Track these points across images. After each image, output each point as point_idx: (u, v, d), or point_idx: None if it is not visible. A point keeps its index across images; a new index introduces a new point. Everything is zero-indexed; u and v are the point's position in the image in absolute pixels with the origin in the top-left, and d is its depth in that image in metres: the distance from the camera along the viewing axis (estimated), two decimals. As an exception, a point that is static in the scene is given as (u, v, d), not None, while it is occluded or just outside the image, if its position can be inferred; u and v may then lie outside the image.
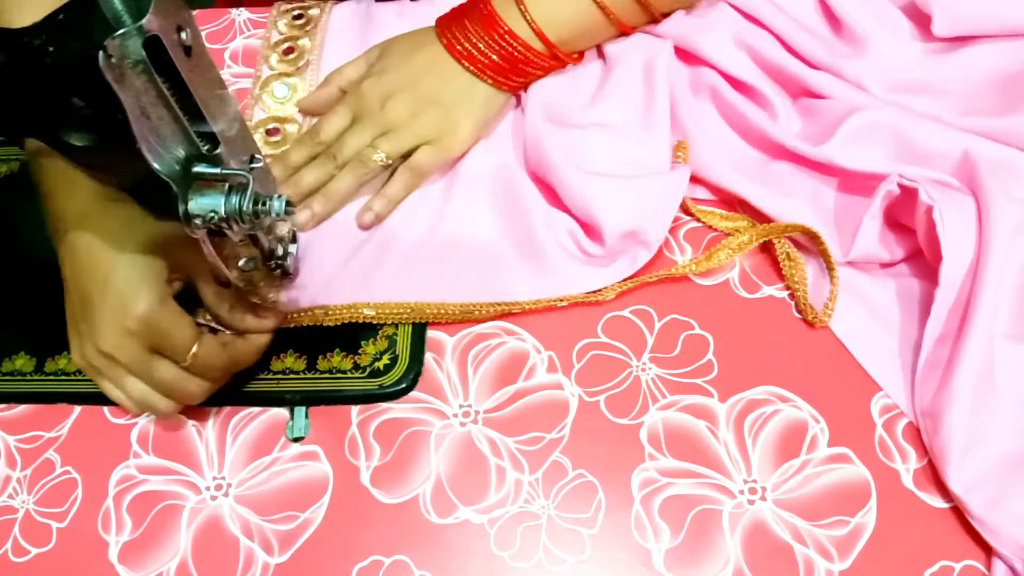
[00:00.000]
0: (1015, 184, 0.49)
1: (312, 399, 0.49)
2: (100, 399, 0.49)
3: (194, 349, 0.43)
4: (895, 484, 0.45)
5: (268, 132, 0.59)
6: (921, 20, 0.56)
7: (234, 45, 0.64)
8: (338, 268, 0.52)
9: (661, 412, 0.48)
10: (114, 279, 0.42)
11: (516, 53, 0.54)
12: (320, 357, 0.50)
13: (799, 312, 0.50)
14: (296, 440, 0.48)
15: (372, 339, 0.51)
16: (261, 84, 0.61)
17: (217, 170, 0.38)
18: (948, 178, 0.50)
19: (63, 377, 0.50)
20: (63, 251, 0.44)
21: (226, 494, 0.47)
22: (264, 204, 0.39)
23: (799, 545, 0.44)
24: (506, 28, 0.53)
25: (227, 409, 0.50)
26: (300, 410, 0.49)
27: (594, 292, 0.51)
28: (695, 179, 0.54)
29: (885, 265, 0.51)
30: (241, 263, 0.44)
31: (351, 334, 0.51)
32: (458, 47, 0.54)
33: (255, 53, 0.63)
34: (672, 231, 0.54)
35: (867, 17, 0.56)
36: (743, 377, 0.49)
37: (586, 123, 0.55)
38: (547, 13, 0.53)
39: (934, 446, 0.44)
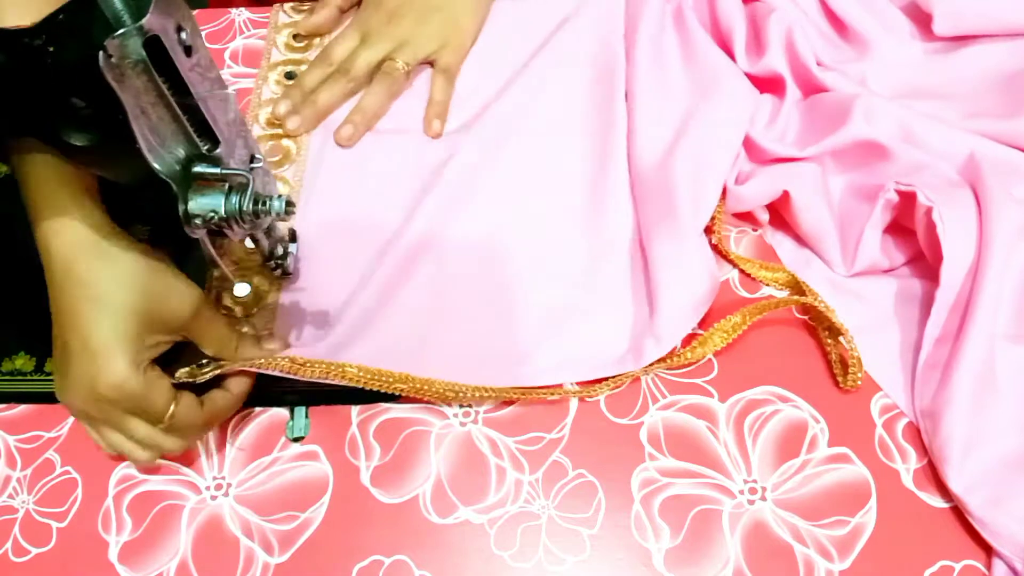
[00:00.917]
0: (1018, 186, 0.49)
1: (312, 399, 0.49)
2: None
3: (171, 410, 0.42)
4: (895, 484, 0.45)
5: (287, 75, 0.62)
6: (922, 20, 0.56)
7: (234, 45, 0.64)
8: (333, 322, 0.50)
9: (661, 412, 0.48)
10: (93, 340, 0.39)
11: None
12: (320, 357, 0.50)
13: (832, 373, 0.48)
14: (296, 440, 0.48)
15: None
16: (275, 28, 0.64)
17: (217, 170, 0.38)
18: (950, 173, 0.50)
19: (63, 377, 0.50)
20: (50, 286, 0.42)
21: (226, 494, 0.47)
22: (264, 204, 0.39)
23: (799, 545, 0.44)
24: None
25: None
26: (300, 410, 0.49)
27: (588, 384, 0.49)
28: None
29: (887, 270, 0.51)
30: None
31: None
32: None
33: (255, 53, 0.63)
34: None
35: (868, 19, 0.56)
36: (743, 377, 0.49)
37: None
38: None
39: (934, 446, 0.44)
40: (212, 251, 0.41)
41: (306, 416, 0.49)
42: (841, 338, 0.47)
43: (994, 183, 0.47)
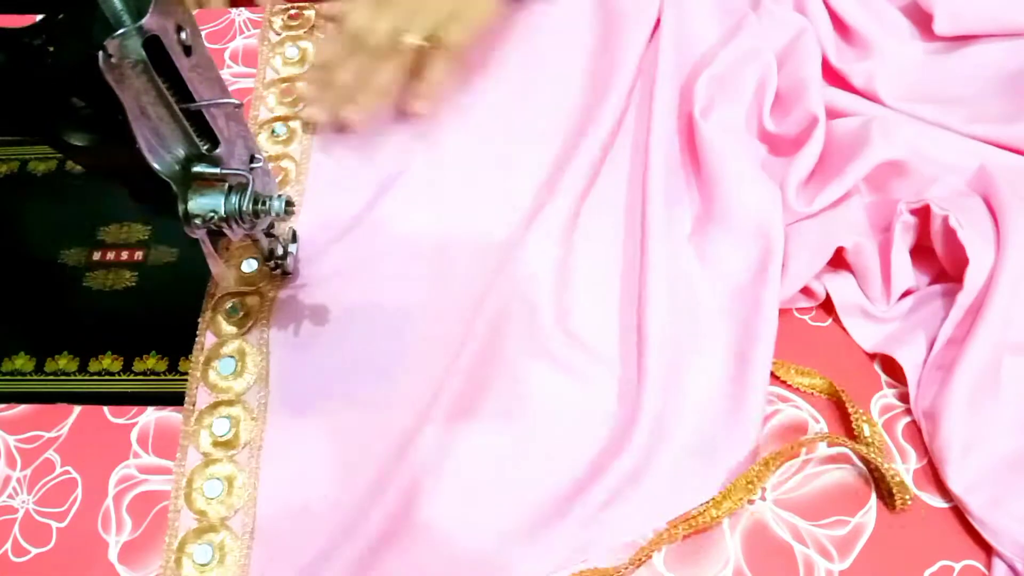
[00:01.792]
0: None
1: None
2: (100, 399, 0.49)
3: None
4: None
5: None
6: (922, 21, 0.56)
7: (234, 45, 0.64)
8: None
9: (661, 412, 0.48)
10: None
11: None
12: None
13: (882, 495, 0.45)
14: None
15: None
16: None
17: (217, 170, 0.38)
18: (959, 185, 0.49)
19: (63, 377, 0.50)
20: None
21: (226, 494, 0.47)
22: (264, 204, 0.39)
23: (799, 545, 0.44)
24: None
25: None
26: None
27: None
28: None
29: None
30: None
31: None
32: None
33: (255, 53, 0.63)
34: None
35: (870, 20, 0.56)
36: (743, 377, 0.49)
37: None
38: None
39: (934, 446, 0.44)
40: (212, 251, 0.41)
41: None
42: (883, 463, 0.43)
43: (1007, 191, 0.47)
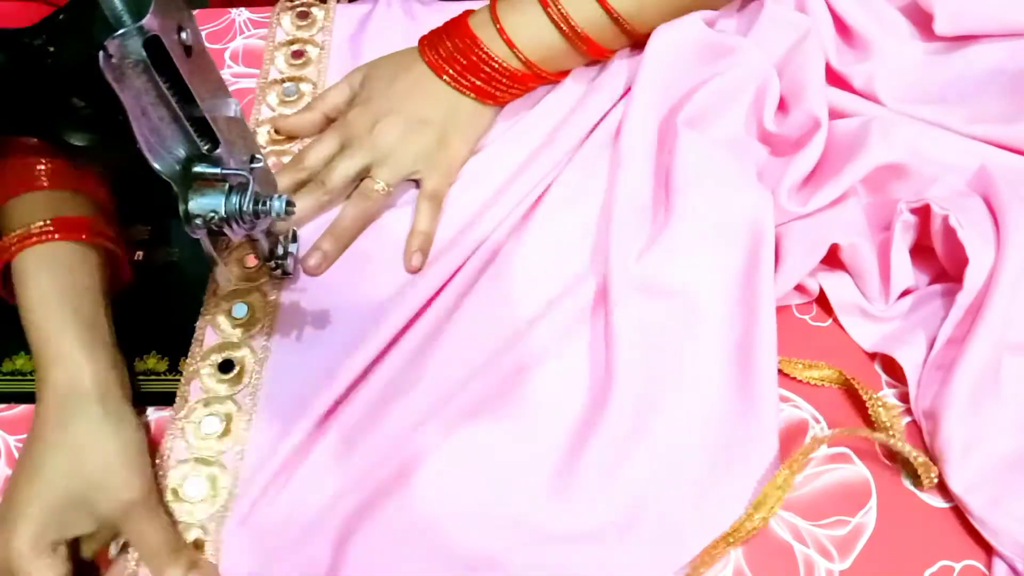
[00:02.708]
0: None
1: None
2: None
3: None
4: (895, 484, 0.45)
5: (293, 54, 0.63)
6: (922, 21, 0.56)
7: (234, 45, 0.64)
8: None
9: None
10: (15, 498, 0.40)
11: (495, 72, 0.54)
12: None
13: (912, 476, 0.45)
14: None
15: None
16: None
17: (217, 170, 0.38)
18: (959, 185, 0.49)
19: (63, 377, 0.50)
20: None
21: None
22: (264, 204, 0.39)
23: (799, 545, 0.44)
24: (484, 48, 0.53)
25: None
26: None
27: None
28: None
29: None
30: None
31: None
32: (441, 65, 0.54)
33: (255, 53, 0.63)
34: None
35: (870, 20, 0.56)
36: (743, 377, 0.49)
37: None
38: (524, 34, 0.53)
39: (934, 446, 0.44)
40: (212, 251, 0.41)
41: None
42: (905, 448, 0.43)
43: (1007, 191, 0.47)
